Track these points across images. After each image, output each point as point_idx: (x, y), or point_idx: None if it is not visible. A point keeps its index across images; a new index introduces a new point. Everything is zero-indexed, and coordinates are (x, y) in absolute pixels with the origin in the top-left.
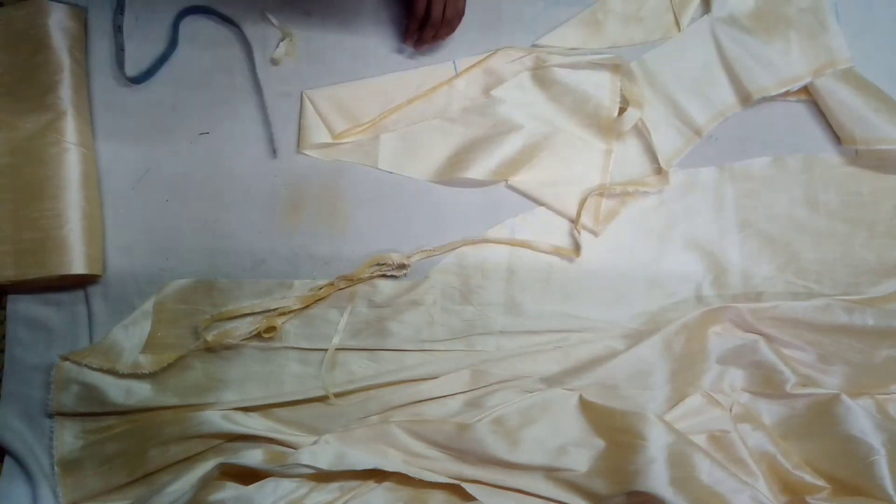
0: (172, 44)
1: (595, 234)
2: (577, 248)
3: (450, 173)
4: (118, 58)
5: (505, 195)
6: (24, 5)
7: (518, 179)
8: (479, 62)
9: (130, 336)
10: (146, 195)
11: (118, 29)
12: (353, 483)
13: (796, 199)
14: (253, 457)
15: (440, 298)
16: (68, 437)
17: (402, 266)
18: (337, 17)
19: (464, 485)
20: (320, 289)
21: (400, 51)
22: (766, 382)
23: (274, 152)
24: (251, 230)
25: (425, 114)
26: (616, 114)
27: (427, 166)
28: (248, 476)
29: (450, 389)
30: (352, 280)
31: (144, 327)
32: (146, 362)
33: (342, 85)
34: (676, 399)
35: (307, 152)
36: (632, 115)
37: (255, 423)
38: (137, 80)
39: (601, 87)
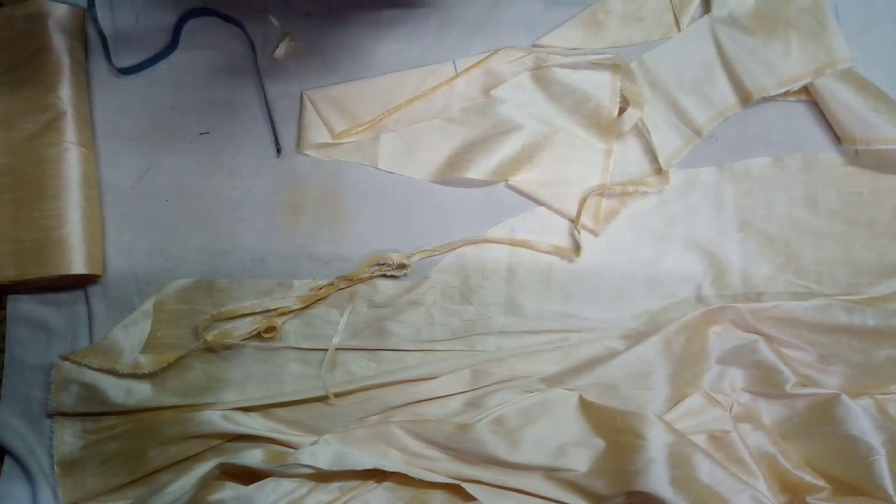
0: (172, 45)
1: (595, 234)
2: (577, 248)
3: (450, 173)
4: (104, 48)
5: (505, 195)
6: (24, 5)
7: (518, 179)
8: (479, 62)
9: (130, 336)
10: (146, 195)
11: (95, 21)
12: (353, 483)
13: (796, 199)
14: (253, 457)
15: (440, 298)
16: (68, 437)
17: (402, 266)
18: (337, 16)
19: (464, 485)
20: (320, 289)
21: (400, 51)
22: (766, 382)
23: (278, 151)
24: (251, 230)
25: (425, 114)
26: (616, 114)
27: (427, 166)
28: (248, 476)
29: (450, 389)
30: (352, 280)
31: (144, 327)
32: (146, 362)
33: (342, 85)
34: (676, 399)
35: (307, 152)
36: (632, 115)
37: (255, 423)
38: (127, 70)
39: (601, 87)
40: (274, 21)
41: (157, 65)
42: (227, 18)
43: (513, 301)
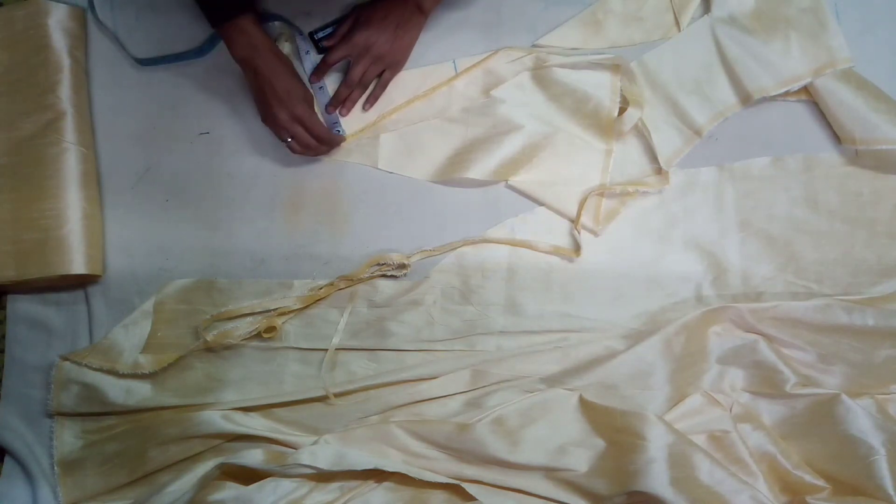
0: (201, 51)
1: (595, 234)
2: (577, 248)
3: (450, 173)
4: (118, 43)
5: (505, 195)
6: (24, 5)
7: (518, 179)
8: (479, 62)
9: (130, 336)
10: (146, 195)
11: (97, 21)
12: (353, 483)
13: (796, 199)
14: (253, 457)
15: (440, 298)
16: (68, 437)
17: (402, 266)
18: (337, 16)
19: (464, 485)
20: (320, 289)
21: None
22: (766, 382)
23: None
24: (251, 230)
25: (425, 114)
26: (616, 114)
27: (427, 166)
28: (248, 476)
29: (450, 389)
30: (352, 280)
31: (144, 327)
32: (146, 362)
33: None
34: (676, 399)
35: None
36: (632, 115)
37: (255, 423)
38: (146, 62)
39: (601, 87)
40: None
41: (158, 65)
42: (276, 18)
43: (513, 301)
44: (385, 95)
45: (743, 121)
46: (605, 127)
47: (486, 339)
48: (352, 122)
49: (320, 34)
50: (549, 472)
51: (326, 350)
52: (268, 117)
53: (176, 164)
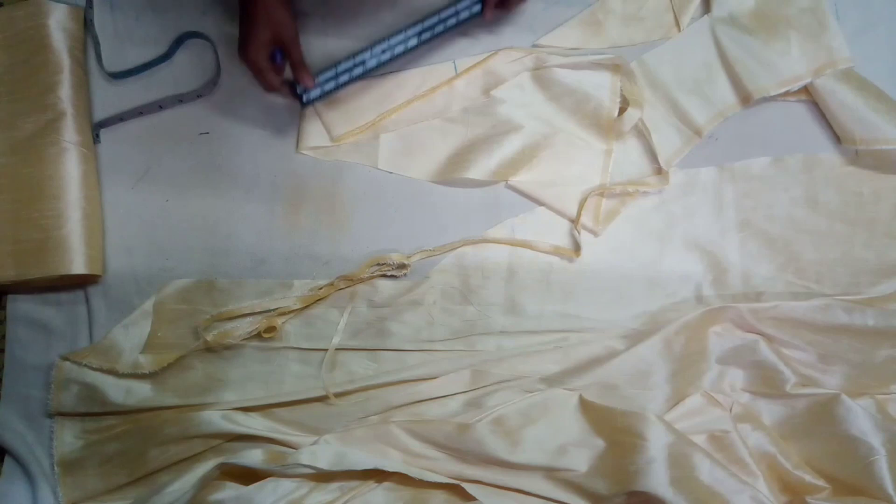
0: (166, 56)
1: (595, 234)
2: (577, 248)
3: (450, 173)
4: (96, 51)
5: (505, 195)
6: (24, 5)
7: (518, 179)
8: (480, 62)
9: (130, 336)
10: (146, 195)
11: (90, 23)
12: (353, 483)
13: (796, 199)
14: (253, 457)
15: (440, 298)
16: (68, 437)
17: (402, 266)
18: (336, 16)
19: (464, 485)
20: (320, 289)
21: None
22: (766, 382)
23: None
24: (251, 230)
25: (425, 114)
26: (616, 114)
27: (427, 166)
28: (248, 476)
29: (450, 389)
30: (352, 280)
31: (144, 327)
32: (146, 362)
33: None
34: (676, 399)
35: (306, 152)
36: (632, 115)
37: (255, 423)
38: (118, 75)
39: (601, 88)
40: None
41: (159, 66)
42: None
43: (513, 301)
44: (385, 95)
45: (743, 121)
46: (605, 127)
47: (486, 339)
48: (353, 121)
49: (321, 78)
50: (549, 472)
51: (326, 350)
52: (240, 51)
53: (176, 164)
